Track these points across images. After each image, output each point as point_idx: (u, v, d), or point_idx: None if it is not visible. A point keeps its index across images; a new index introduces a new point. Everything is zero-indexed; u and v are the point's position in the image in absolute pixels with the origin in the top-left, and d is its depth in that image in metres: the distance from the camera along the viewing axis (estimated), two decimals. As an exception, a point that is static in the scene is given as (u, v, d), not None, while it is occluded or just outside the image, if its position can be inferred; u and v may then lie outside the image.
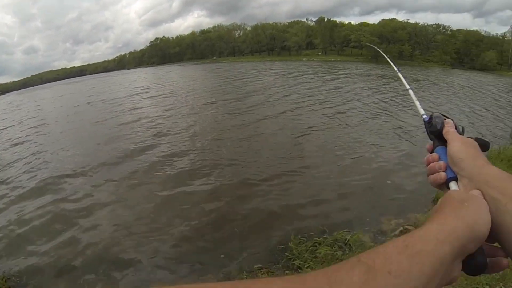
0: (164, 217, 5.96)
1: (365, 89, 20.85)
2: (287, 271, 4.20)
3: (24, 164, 10.18)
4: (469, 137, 0.64)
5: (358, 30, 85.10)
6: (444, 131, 0.65)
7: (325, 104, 15.25)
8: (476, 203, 0.47)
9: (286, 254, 4.47)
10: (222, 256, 4.75)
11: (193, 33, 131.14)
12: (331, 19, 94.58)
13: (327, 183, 7.00)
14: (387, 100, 16.37)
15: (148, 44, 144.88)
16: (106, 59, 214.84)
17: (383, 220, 5.29)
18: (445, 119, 0.69)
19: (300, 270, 4.10)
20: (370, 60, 64.92)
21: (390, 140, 9.88)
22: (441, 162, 0.62)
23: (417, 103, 0.87)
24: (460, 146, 0.59)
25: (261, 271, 4.36)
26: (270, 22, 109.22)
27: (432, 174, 0.62)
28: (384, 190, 6.64)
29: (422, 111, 0.81)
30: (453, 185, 0.60)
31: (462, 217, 0.43)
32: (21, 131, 16.09)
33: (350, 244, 4.42)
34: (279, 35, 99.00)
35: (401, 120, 12.19)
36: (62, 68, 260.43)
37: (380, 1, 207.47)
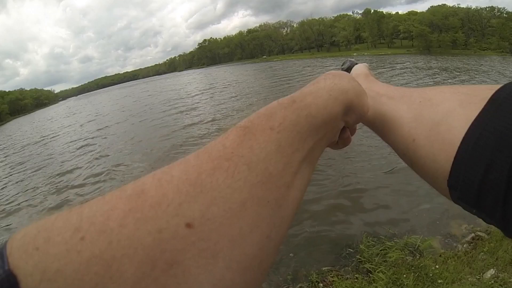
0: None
1: (433, 84, 18.22)
2: (357, 275, 4.16)
3: (86, 169, 10.09)
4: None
5: (407, 19, 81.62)
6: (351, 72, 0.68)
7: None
8: (360, 81, 0.51)
9: (357, 257, 4.42)
10: (291, 255, 4.79)
11: (240, 33, 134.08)
12: (378, 10, 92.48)
13: (391, 185, 6.73)
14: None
15: (196, 46, 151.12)
16: (157, 63, 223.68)
17: (453, 225, 5.20)
18: (357, 63, 0.76)
19: (370, 274, 4.04)
20: (422, 52, 62.43)
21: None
22: None
23: None
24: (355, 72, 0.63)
25: (330, 274, 4.33)
26: (316, 18, 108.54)
27: None
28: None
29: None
30: None
31: (353, 85, 0.42)
32: (82, 134, 17.29)
33: (420, 250, 4.34)
34: (326, 30, 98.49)
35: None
36: (116, 74, 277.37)
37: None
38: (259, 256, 0.25)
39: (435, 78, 22.32)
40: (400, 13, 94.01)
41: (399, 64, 35.08)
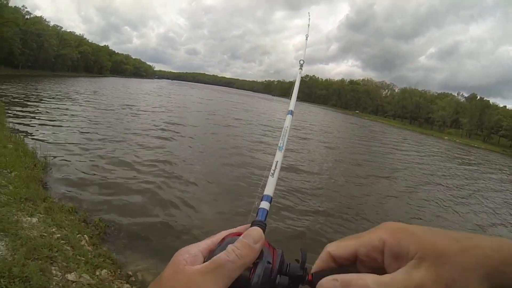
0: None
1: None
2: None
3: (143, 151, 11.47)
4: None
5: None
6: None
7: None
8: (200, 278, 0.39)
9: None
10: None
11: (342, 81, 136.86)
12: (484, 98, 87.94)
13: None
14: None
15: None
16: (255, 80, 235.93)
17: None
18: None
19: None
20: None
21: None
22: None
23: None
24: None
25: None
26: (419, 89, 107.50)
27: None
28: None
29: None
30: None
31: None
32: (156, 121, 18.72)
33: None
34: (425, 104, 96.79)
35: None
36: (213, 75, 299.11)
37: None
38: None
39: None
40: (508, 107, 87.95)
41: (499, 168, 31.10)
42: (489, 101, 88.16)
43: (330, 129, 35.89)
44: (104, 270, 4.14)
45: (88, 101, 23.94)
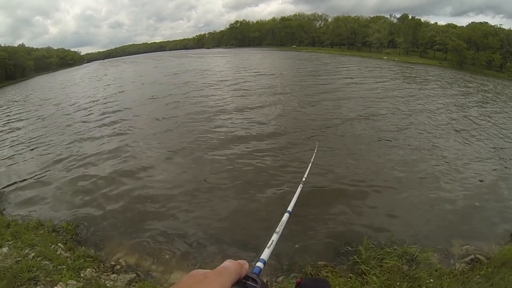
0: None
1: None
2: (351, 274, 4.14)
3: (108, 132, 12.97)
4: None
5: (445, 31, 76.97)
6: None
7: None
8: (213, 277, 0.49)
9: (354, 257, 4.44)
10: (297, 246, 5.00)
11: (273, 20, 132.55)
12: (416, 17, 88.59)
13: (404, 194, 6.88)
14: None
15: (228, 26, 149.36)
16: (186, 38, 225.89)
17: (455, 243, 5.11)
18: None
19: (364, 276, 3.99)
20: (454, 66, 60.67)
21: (488, 163, 9.20)
22: None
23: None
24: None
25: (325, 268, 4.36)
26: (352, 16, 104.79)
27: None
28: (463, 213, 6.26)
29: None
30: None
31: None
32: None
33: (417, 261, 4.27)
34: (360, 30, 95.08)
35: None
36: (143, 43, 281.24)
37: (476, 2, 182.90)
38: None
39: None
40: (439, 23, 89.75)
41: (432, 77, 34.00)
42: (420, 19, 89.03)
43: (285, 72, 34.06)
44: (88, 270, 4.31)
45: (18, 114, 21.74)
